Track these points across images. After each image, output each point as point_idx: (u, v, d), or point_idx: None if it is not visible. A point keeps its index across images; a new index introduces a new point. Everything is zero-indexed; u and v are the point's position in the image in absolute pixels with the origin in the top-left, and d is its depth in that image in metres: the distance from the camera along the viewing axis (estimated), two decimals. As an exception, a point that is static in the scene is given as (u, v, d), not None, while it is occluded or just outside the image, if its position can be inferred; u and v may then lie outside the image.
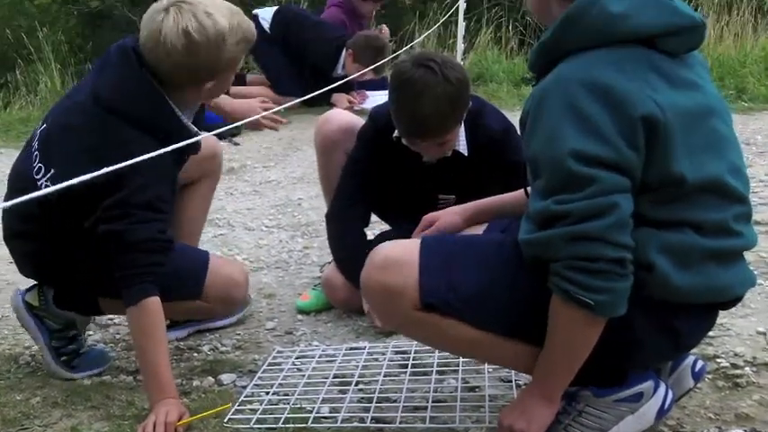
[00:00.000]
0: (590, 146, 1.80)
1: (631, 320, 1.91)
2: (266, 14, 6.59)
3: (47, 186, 2.51)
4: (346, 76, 6.17)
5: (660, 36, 1.90)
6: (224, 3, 2.48)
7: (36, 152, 2.58)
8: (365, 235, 3.13)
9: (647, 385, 2.07)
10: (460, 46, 7.39)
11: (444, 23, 8.44)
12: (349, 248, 3.02)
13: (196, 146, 2.54)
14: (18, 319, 2.79)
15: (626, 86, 1.83)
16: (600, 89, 1.82)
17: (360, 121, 3.23)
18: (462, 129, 2.88)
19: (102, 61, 2.58)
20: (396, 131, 2.89)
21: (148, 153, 2.32)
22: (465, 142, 2.91)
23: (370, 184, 3.07)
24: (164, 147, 2.37)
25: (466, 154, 2.91)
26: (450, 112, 2.69)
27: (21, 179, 2.60)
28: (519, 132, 2.07)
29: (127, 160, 2.22)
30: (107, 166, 2.00)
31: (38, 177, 2.53)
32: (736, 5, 9.03)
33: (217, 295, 2.76)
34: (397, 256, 2.07)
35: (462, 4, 7.26)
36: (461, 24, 7.38)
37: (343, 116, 3.29)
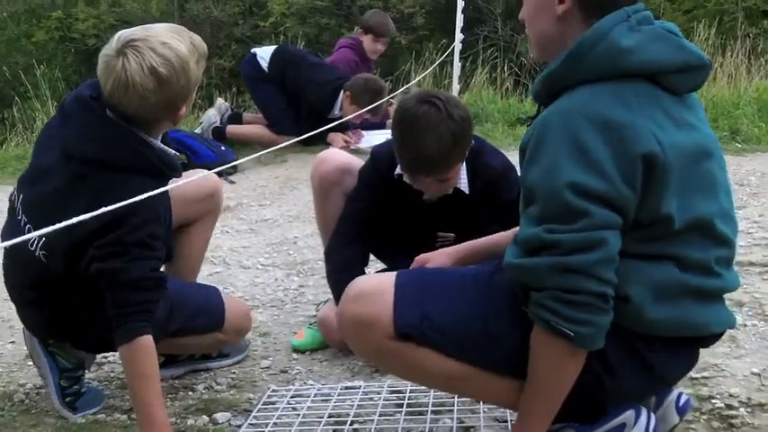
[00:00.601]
0: (587, 179, 1.80)
1: (606, 352, 1.92)
2: (264, 54, 6.62)
3: (43, 254, 2.50)
4: (343, 117, 6.20)
5: (668, 73, 1.91)
6: (167, 26, 2.46)
7: (28, 226, 2.52)
8: (364, 274, 3.13)
9: (629, 414, 2.06)
10: (456, 86, 7.43)
11: (440, 64, 8.51)
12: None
13: (179, 169, 2.56)
14: (30, 353, 2.78)
15: (630, 122, 1.83)
16: (603, 123, 1.82)
17: (356, 161, 3.25)
18: (464, 167, 2.91)
19: (61, 116, 2.54)
20: (397, 169, 2.92)
21: (138, 191, 2.35)
22: (466, 180, 2.93)
23: (371, 222, 3.07)
24: (151, 179, 2.40)
25: (467, 192, 2.93)
26: (453, 148, 2.72)
27: (19, 252, 2.55)
28: (519, 160, 2.07)
29: (128, 204, 2.26)
30: (112, 214, 2.01)
31: (32, 249, 2.51)
32: (730, 47, 9.12)
33: (232, 326, 2.84)
34: (371, 288, 2.09)
35: (458, 45, 7.32)
36: (457, 65, 7.43)
37: (339, 156, 3.30)
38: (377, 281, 2.12)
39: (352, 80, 6.35)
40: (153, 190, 2.36)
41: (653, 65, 1.89)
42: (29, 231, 2.52)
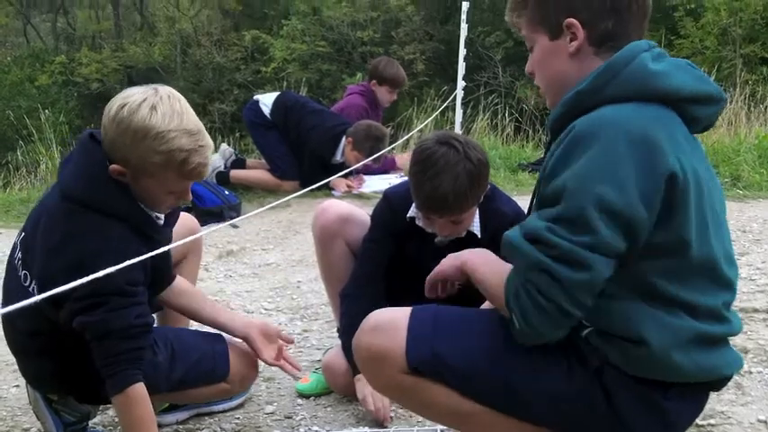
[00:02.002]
0: (611, 194, 1.80)
1: (624, 412, 1.93)
2: (267, 100, 6.68)
3: (36, 289, 2.46)
4: (344, 162, 6.25)
5: (692, 102, 1.93)
6: (189, 116, 2.42)
7: (20, 261, 2.54)
8: None
9: None
10: (458, 132, 7.47)
11: (442, 110, 8.56)
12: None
13: (158, 231, 2.54)
14: (34, 410, 2.74)
15: (663, 143, 1.83)
16: (640, 139, 1.82)
17: (356, 210, 3.30)
18: (477, 211, 2.94)
19: (67, 157, 2.58)
20: (410, 212, 2.96)
21: (113, 237, 2.37)
22: (479, 224, 2.96)
23: (386, 261, 3.11)
24: (128, 230, 2.41)
25: (479, 236, 2.96)
26: (468, 190, 2.75)
27: (14, 291, 2.54)
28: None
29: (94, 247, 2.32)
30: (78, 255, 2.15)
31: (26, 285, 2.49)
32: (730, 94, 9.19)
33: (237, 375, 2.80)
34: (386, 321, 2.11)
35: (460, 92, 7.37)
36: (459, 111, 7.48)
37: (339, 206, 3.34)
38: (392, 315, 2.14)
39: (354, 126, 6.39)
40: (131, 239, 2.39)
41: (680, 91, 1.91)
42: (20, 265, 2.53)
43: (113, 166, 2.40)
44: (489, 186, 2.95)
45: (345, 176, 6.39)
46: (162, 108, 2.36)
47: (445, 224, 2.86)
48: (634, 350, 1.90)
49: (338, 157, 6.42)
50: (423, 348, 2.04)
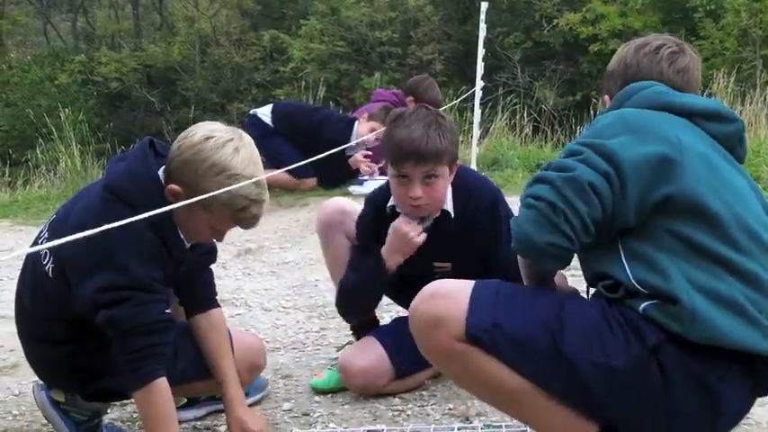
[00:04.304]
0: (596, 140, 2.06)
1: (675, 379, 1.94)
2: (264, 111, 6.75)
3: (52, 268, 2.52)
4: (359, 144, 6.42)
5: (703, 116, 2.16)
6: (260, 168, 2.54)
7: (44, 240, 2.60)
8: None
9: None
10: (477, 132, 7.45)
11: (459, 110, 8.55)
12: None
13: (181, 249, 2.59)
14: (44, 415, 2.77)
15: (657, 122, 2.10)
16: (635, 120, 2.11)
17: (355, 204, 3.36)
18: (449, 190, 2.99)
19: (120, 155, 2.64)
20: (390, 201, 3.02)
21: (143, 239, 2.42)
22: (452, 203, 3.01)
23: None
24: (153, 233, 2.45)
25: (453, 214, 3.00)
26: (439, 139, 2.83)
27: (29, 271, 2.64)
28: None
29: (123, 244, 2.38)
30: (106, 251, 2.26)
31: (44, 263, 2.55)
32: (749, 95, 9.14)
33: (243, 366, 2.82)
34: (448, 289, 2.14)
35: (478, 93, 7.35)
36: (477, 111, 7.46)
37: (339, 201, 3.44)
38: (454, 284, 2.16)
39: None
40: (155, 242, 2.44)
41: (691, 105, 2.17)
42: (42, 243, 2.59)
43: (171, 186, 2.47)
44: (468, 171, 3.07)
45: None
46: (243, 153, 2.48)
47: (419, 184, 2.87)
48: (680, 312, 1.92)
49: (353, 140, 6.46)
50: (484, 316, 2.05)
